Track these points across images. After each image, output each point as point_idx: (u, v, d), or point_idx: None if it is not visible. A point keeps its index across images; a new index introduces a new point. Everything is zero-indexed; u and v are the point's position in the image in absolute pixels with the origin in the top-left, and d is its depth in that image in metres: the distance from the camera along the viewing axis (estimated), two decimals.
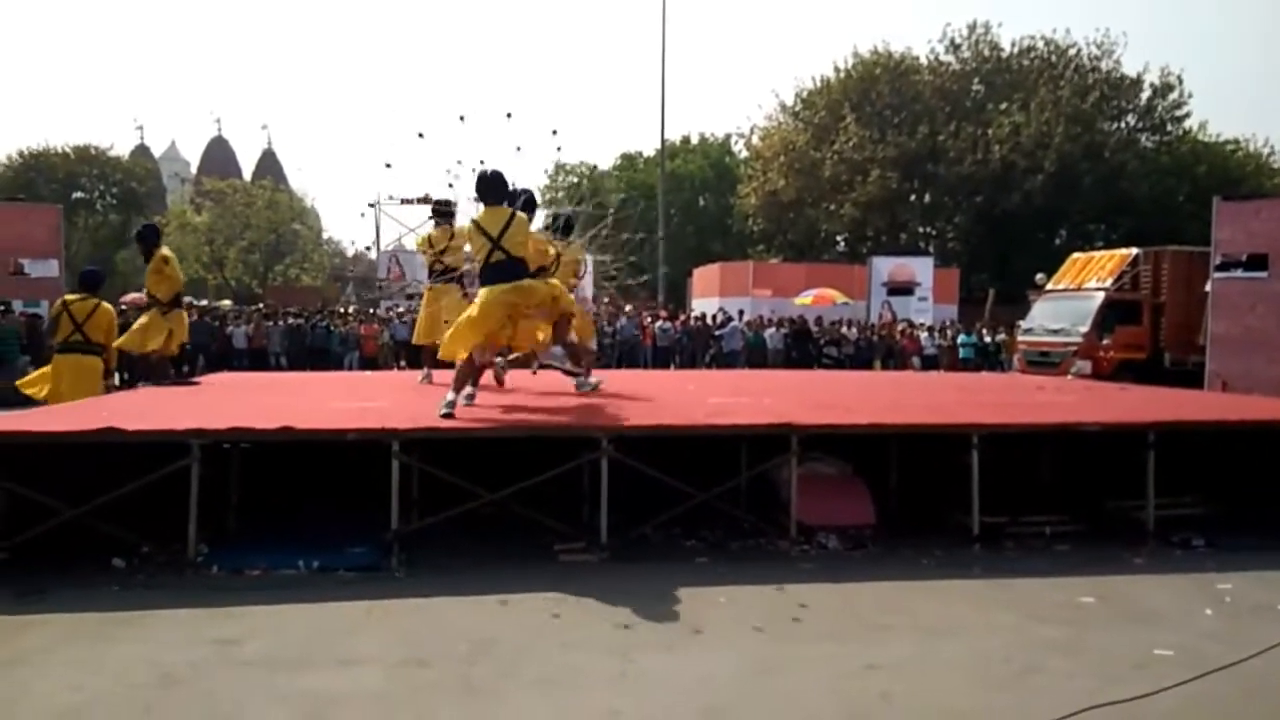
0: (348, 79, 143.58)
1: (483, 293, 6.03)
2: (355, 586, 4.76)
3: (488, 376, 7.37)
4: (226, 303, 32.18)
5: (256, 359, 18.98)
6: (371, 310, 24.10)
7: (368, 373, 16.01)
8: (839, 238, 40.01)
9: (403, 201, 35.64)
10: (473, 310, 6.07)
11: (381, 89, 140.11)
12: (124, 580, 4.86)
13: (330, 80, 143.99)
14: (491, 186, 6.11)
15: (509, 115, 7.23)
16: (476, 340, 6.11)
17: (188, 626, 4.14)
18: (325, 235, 55.46)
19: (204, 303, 27.70)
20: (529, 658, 3.81)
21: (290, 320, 20.49)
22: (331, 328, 20.42)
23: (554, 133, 7.87)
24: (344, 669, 3.67)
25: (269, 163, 69.19)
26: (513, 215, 6.05)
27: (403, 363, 18.99)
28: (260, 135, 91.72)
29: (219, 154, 71.50)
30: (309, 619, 4.27)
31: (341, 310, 24.53)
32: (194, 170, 70.65)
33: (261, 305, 25.13)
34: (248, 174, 63.89)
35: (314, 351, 19.32)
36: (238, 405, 6.65)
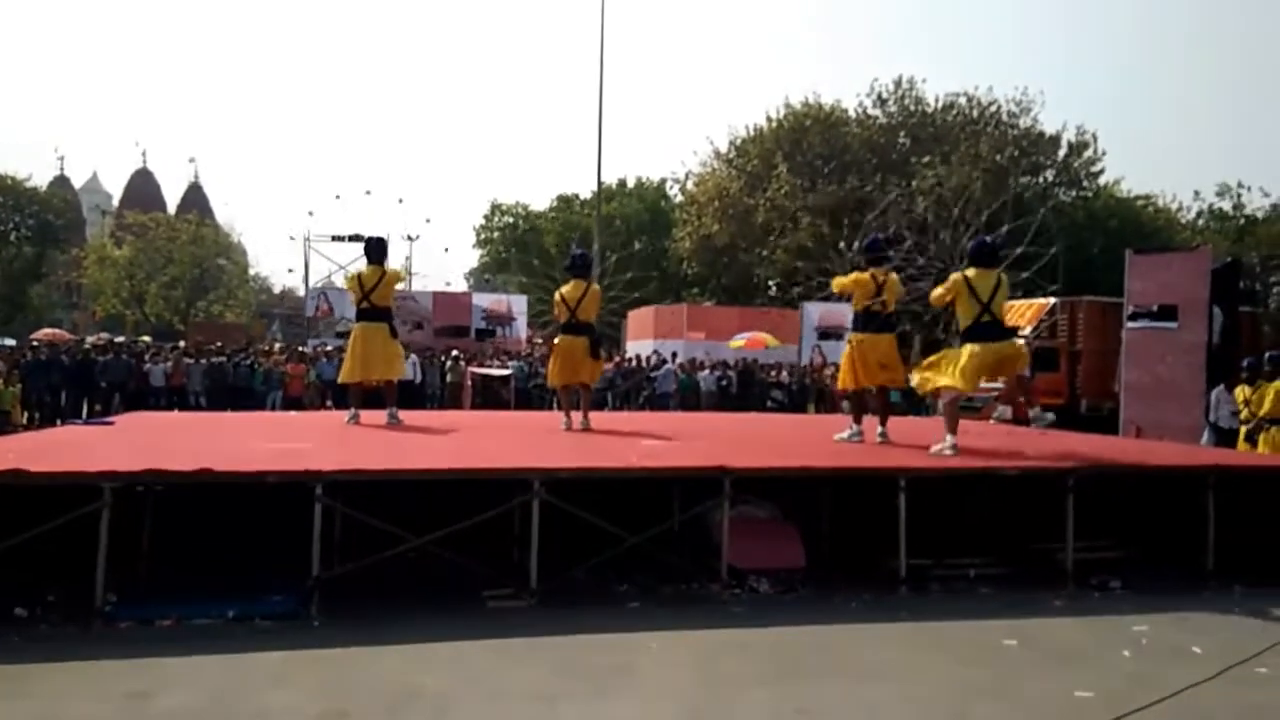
0: (279, 113, 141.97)
1: (979, 348, 6.54)
2: (273, 636, 4.59)
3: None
4: (145, 339, 31.19)
5: (176, 398, 18.39)
6: (299, 348, 23.59)
7: (292, 413, 15.63)
8: (771, 283, 40.64)
9: (333, 238, 35.27)
10: (965, 361, 6.56)
11: (314, 123, 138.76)
12: (26, 631, 4.61)
13: (261, 115, 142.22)
14: (988, 252, 6.75)
15: (400, 200, 7.49)
16: (968, 388, 6.68)
17: (95, 679, 3.94)
18: (252, 270, 54.42)
19: (121, 339, 26.78)
20: (454, 709, 3.70)
21: (212, 358, 19.94)
22: (255, 366, 19.91)
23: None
24: None
25: (195, 196, 67.66)
26: (1000, 279, 6.58)
27: (329, 402, 18.59)
28: (187, 168, 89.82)
29: (143, 186, 69.65)
30: (223, 670, 4.10)
31: (267, 348, 23.94)
32: (116, 203, 68.69)
33: (181, 342, 24.41)
34: (173, 207, 62.38)
35: (236, 391, 18.76)
36: (154, 446, 6.40)
